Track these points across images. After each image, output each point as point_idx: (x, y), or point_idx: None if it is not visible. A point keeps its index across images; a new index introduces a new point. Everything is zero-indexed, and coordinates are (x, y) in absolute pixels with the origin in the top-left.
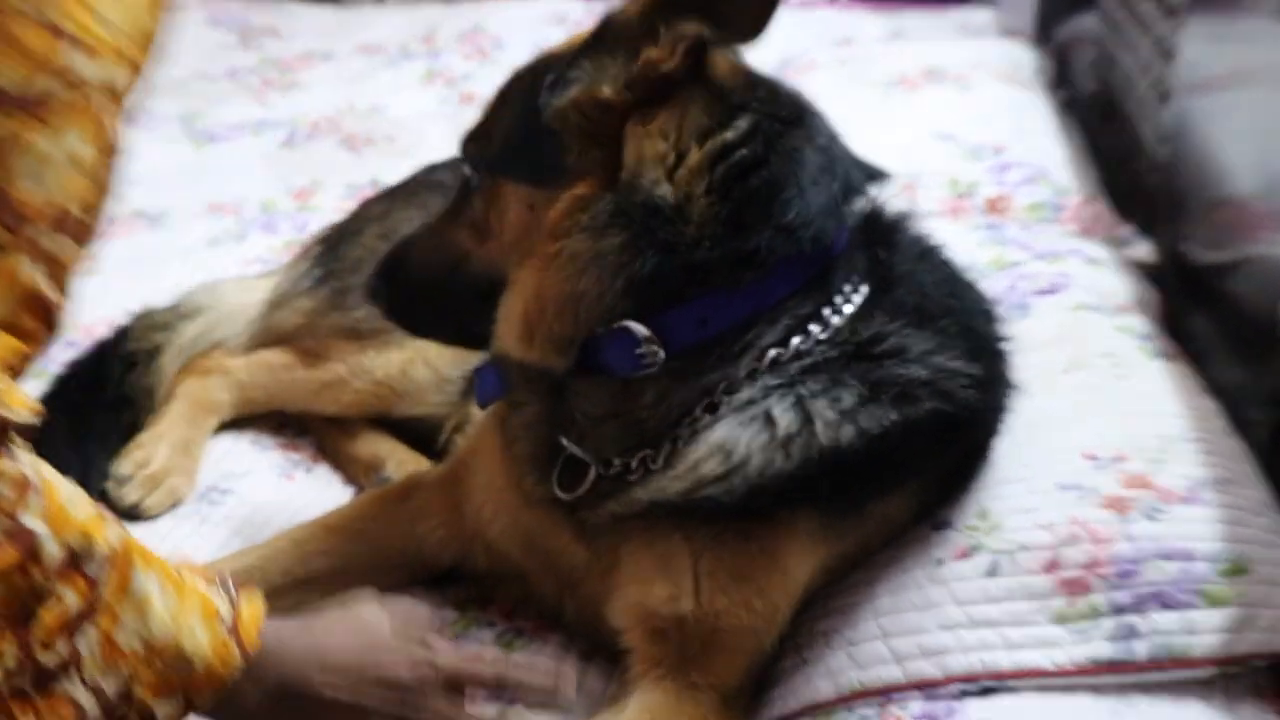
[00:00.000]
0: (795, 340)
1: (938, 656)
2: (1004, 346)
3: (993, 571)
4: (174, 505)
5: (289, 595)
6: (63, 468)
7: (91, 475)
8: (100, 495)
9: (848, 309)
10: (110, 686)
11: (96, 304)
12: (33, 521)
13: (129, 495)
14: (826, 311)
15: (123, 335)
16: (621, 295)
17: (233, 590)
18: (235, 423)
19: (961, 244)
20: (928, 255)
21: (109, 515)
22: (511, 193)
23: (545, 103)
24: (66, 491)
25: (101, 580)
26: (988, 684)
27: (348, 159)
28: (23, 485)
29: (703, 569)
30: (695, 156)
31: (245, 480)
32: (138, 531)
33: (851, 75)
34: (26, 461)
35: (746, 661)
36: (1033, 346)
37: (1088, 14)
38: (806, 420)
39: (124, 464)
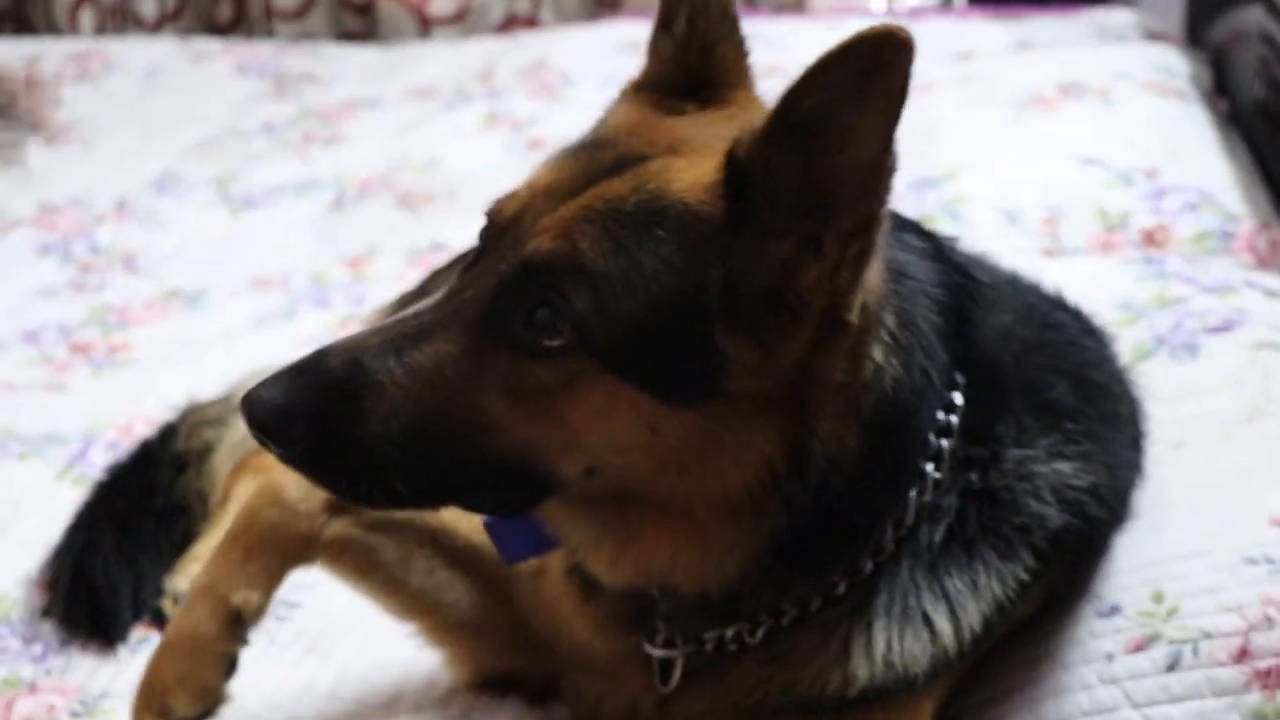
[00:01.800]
0: (913, 494)
1: None
2: (1126, 403)
3: (1173, 665)
4: None
5: None
6: (113, 585)
7: (145, 593)
8: (155, 615)
9: (954, 419)
10: None
11: (134, 399)
12: None
13: None
14: (933, 437)
15: (169, 434)
16: (760, 556)
17: None
18: None
19: (1116, 282)
20: (1016, 315)
21: None
22: (619, 394)
23: (721, 313)
24: None
25: None
26: None
27: (405, 220)
28: None
29: None
30: (861, 402)
31: (314, 592)
32: None
33: (977, 95)
34: None
35: None
36: (1205, 392)
37: (1247, 7)
38: (956, 614)
39: (180, 579)
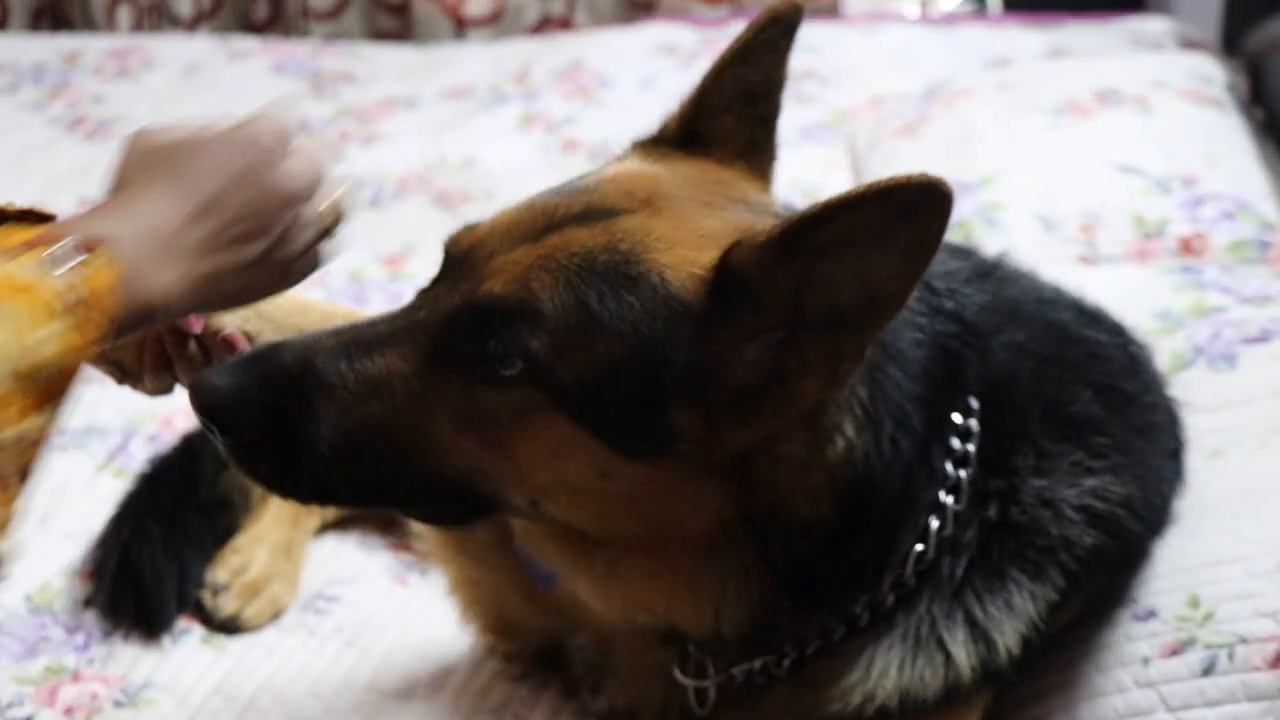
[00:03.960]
0: (934, 524)
1: None
2: (1161, 412)
3: (1209, 669)
4: (275, 616)
5: None
6: (159, 576)
7: (189, 585)
8: (196, 606)
9: (970, 448)
10: None
11: (175, 392)
12: None
13: (226, 606)
14: (949, 466)
15: None
16: (763, 600)
17: (72, 257)
18: (339, 522)
19: (1153, 291)
20: (1031, 333)
21: None
22: (571, 436)
23: (680, 390)
24: None
25: None
26: None
27: (442, 218)
28: None
29: None
30: (834, 475)
31: (354, 586)
32: (237, 646)
33: (1012, 102)
34: None
35: None
36: (1244, 401)
37: None
38: (984, 640)
39: (220, 571)
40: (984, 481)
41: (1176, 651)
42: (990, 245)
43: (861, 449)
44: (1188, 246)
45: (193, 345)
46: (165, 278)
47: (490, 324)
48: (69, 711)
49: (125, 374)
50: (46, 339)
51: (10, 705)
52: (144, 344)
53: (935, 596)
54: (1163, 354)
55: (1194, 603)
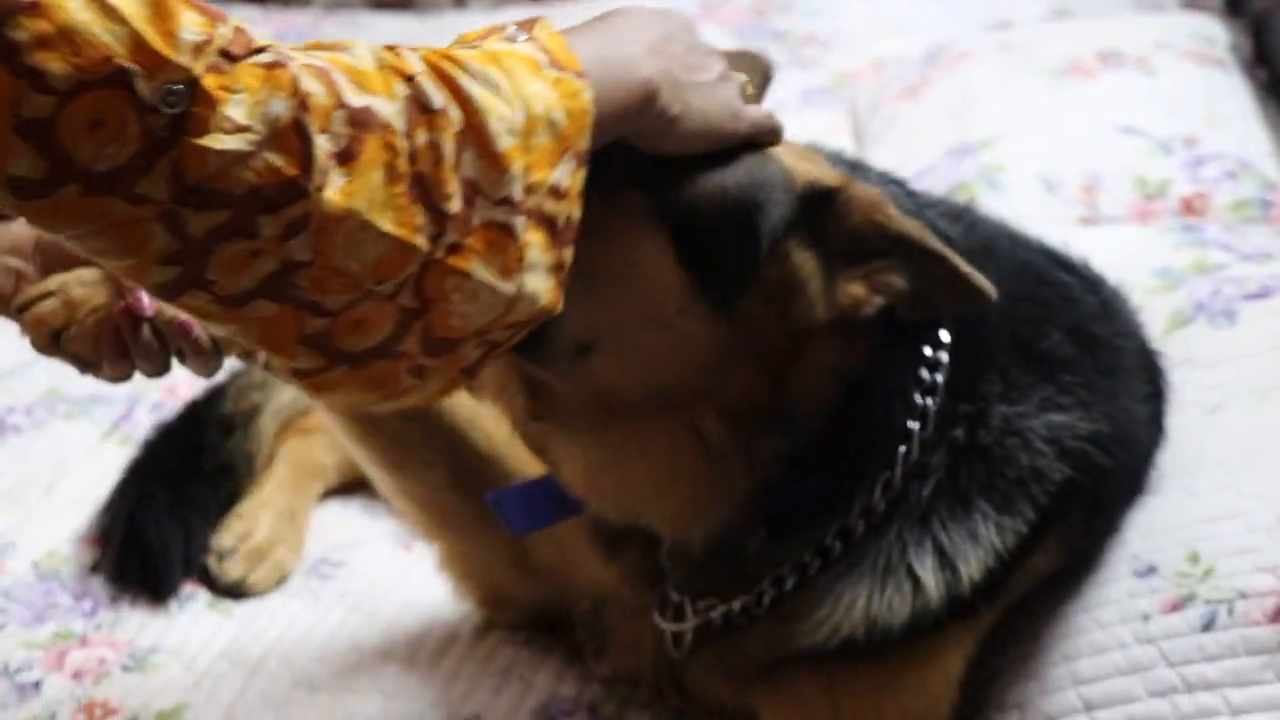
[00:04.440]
0: (901, 450)
1: None
2: (1133, 356)
3: (1209, 625)
4: (280, 581)
5: None
6: (165, 541)
7: (194, 550)
8: (201, 571)
9: (939, 377)
10: (508, 190)
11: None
12: (358, 98)
13: (232, 571)
14: (917, 396)
15: (217, 396)
16: (746, 508)
17: (523, 33)
18: (342, 487)
19: (1154, 250)
20: (1005, 272)
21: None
22: (662, 257)
23: (771, 231)
24: (350, 59)
25: (442, 108)
26: None
27: None
28: (323, 73)
29: (839, 695)
30: (828, 387)
31: (358, 551)
32: (243, 611)
33: (1014, 64)
34: (295, 55)
35: None
36: (1242, 357)
37: None
38: (949, 567)
39: (225, 536)
40: (952, 406)
41: (1176, 607)
42: (992, 207)
43: (862, 367)
44: (1189, 207)
45: (147, 331)
46: (646, 68)
47: None
48: (77, 676)
49: (85, 364)
50: (533, 86)
51: (19, 670)
52: (100, 334)
53: (904, 523)
54: (1163, 311)
55: (1194, 558)
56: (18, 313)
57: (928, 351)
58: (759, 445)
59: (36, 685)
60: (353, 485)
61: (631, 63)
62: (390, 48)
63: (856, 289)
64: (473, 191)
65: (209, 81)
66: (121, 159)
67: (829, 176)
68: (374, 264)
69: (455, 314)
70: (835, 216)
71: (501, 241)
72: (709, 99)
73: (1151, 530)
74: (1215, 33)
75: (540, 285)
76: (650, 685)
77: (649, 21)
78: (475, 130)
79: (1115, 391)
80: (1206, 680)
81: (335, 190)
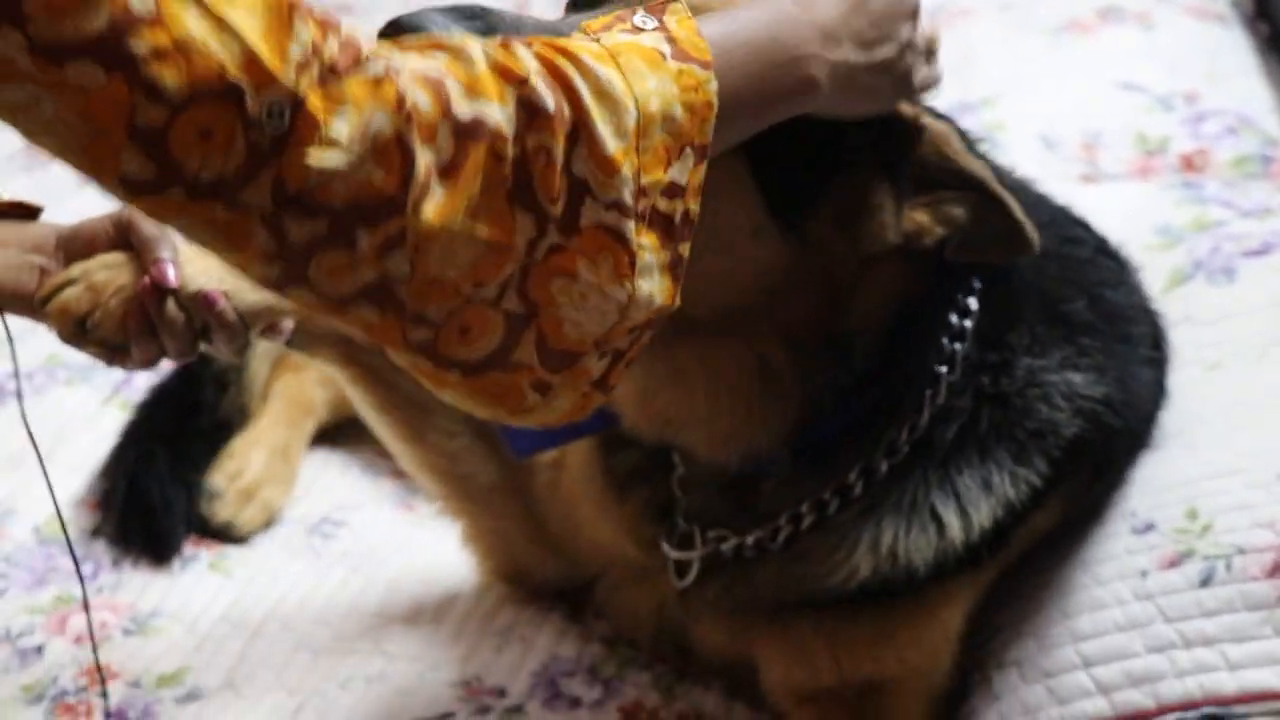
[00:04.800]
0: (928, 393)
1: (1149, 684)
2: (1142, 324)
3: (1207, 580)
4: (268, 522)
5: None
6: (167, 501)
7: (195, 510)
8: (200, 527)
9: (968, 324)
10: (618, 194)
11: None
12: (468, 107)
13: (220, 513)
14: (946, 341)
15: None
16: (784, 437)
17: (652, 19)
18: (346, 447)
19: (1154, 207)
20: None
21: (507, 48)
22: (740, 178)
23: (847, 155)
24: (462, 63)
25: (554, 110)
26: (1209, 711)
27: None
28: (434, 83)
29: (840, 646)
30: (885, 313)
31: (359, 512)
32: (244, 572)
33: (1014, 21)
34: (401, 60)
35: (919, 704)
36: (1241, 314)
37: None
38: (963, 513)
39: (217, 476)
40: (979, 354)
41: (1175, 563)
42: None
43: (915, 300)
44: (1190, 163)
45: (172, 305)
46: (812, 65)
47: None
48: (79, 640)
49: (113, 351)
50: (652, 82)
51: (21, 634)
52: (126, 314)
53: (927, 466)
54: (1162, 269)
55: (1192, 515)
56: (41, 305)
57: (960, 298)
58: (817, 371)
59: (39, 650)
60: (353, 442)
61: (796, 57)
62: (505, 44)
63: (922, 217)
64: (582, 191)
65: (314, 99)
66: (228, 169)
67: (906, 112)
68: (469, 268)
69: (567, 321)
70: (908, 146)
71: (611, 246)
72: (880, 79)
73: (1150, 487)
74: None
75: (655, 286)
76: (650, 647)
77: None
78: (586, 130)
79: (1127, 357)
80: (1204, 636)
81: (433, 207)
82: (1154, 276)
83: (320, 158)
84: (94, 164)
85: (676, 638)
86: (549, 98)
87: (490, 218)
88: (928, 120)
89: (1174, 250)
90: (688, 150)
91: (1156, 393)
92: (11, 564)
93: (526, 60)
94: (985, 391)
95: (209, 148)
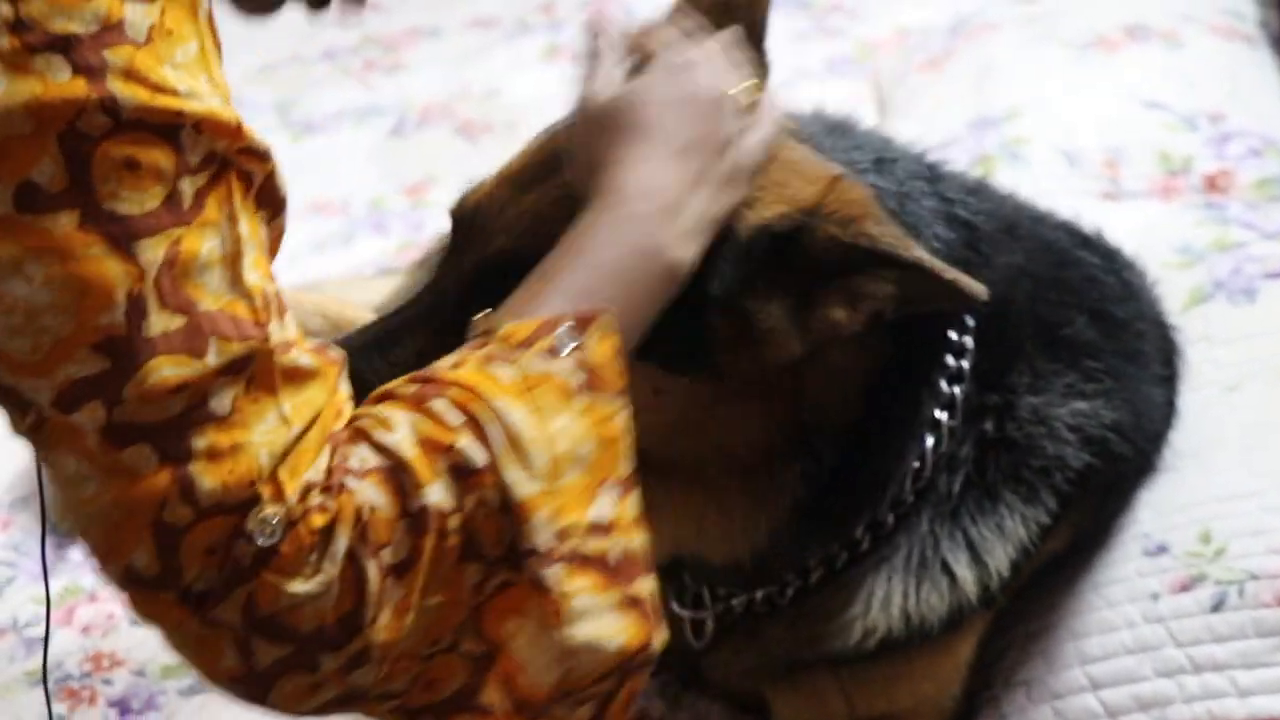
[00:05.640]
0: (929, 442)
1: (1158, 709)
2: (1152, 340)
3: (1218, 605)
4: None
5: None
6: None
7: None
8: None
9: (965, 365)
10: (533, 542)
11: None
12: (417, 498)
13: None
14: (944, 384)
15: None
16: (785, 523)
17: (571, 341)
18: None
19: (1175, 226)
20: (1029, 253)
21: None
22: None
23: (722, 291)
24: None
25: (483, 465)
26: None
27: (465, 149)
28: (390, 476)
29: (854, 689)
30: (851, 389)
31: None
32: None
33: (1039, 36)
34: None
35: None
36: (1261, 335)
37: None
38: (979, 562)
39: None
40: (980, 397)
41: (1186, 587)
42: (1013, 180)
43: (882, 365)
44: (1213, 184)
45: None
46: (679, 236)
47: (508, 279)
48: (86, 630)
49: None
50: (570, 423)
51: (29, 625)
52: None
53: (935, 516)
54: (1182, 288)
55: (1205, 538)
56: None
57: (953, 336)
58: (804, 460)
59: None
60: None
61: (659, 258)
62: (420, 403)
63: (837, 312)
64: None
65: (302, 526)
66: (215, 583)
67: (803, 195)
68: (423, 633)
69: (526, 663)
70: (798, 250)
71: (532, 594)
72: (733, 185)
73: (1163, 509)
74: (1244, 7)
75: (606, 629)
76: (665, 670)
77: (667, 147)
78: (496, 476)
79: (1135, 377)
80: (1214, 661)
81: (389, 614)
82: (1173, 295)
83: (294, 583)
84: (109, 548)
85: (687, 656)
86: (478, 454)
87: (442, 587)
88: (833, 200)
89: (1193, 269)
90: (608, 485)
91: (1167, 413)
92: (20, 554)
93: (448, 417)
94: (989, 438)
95: (209, 561)
